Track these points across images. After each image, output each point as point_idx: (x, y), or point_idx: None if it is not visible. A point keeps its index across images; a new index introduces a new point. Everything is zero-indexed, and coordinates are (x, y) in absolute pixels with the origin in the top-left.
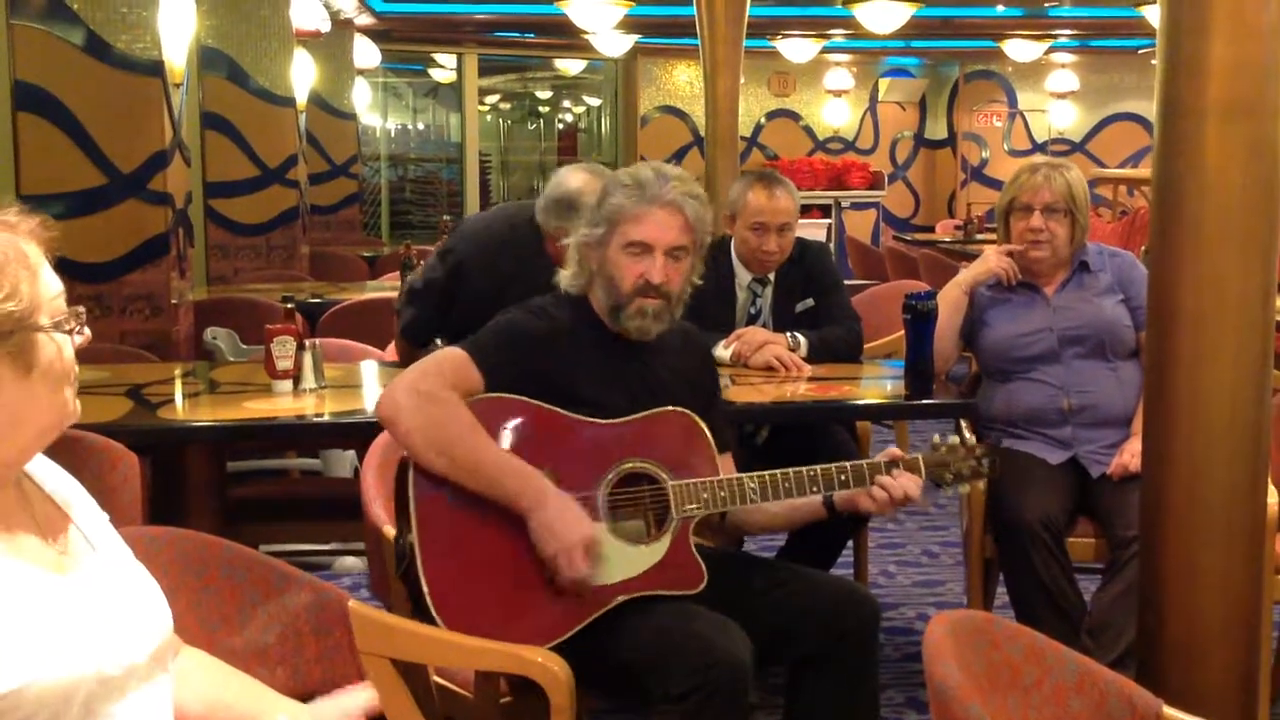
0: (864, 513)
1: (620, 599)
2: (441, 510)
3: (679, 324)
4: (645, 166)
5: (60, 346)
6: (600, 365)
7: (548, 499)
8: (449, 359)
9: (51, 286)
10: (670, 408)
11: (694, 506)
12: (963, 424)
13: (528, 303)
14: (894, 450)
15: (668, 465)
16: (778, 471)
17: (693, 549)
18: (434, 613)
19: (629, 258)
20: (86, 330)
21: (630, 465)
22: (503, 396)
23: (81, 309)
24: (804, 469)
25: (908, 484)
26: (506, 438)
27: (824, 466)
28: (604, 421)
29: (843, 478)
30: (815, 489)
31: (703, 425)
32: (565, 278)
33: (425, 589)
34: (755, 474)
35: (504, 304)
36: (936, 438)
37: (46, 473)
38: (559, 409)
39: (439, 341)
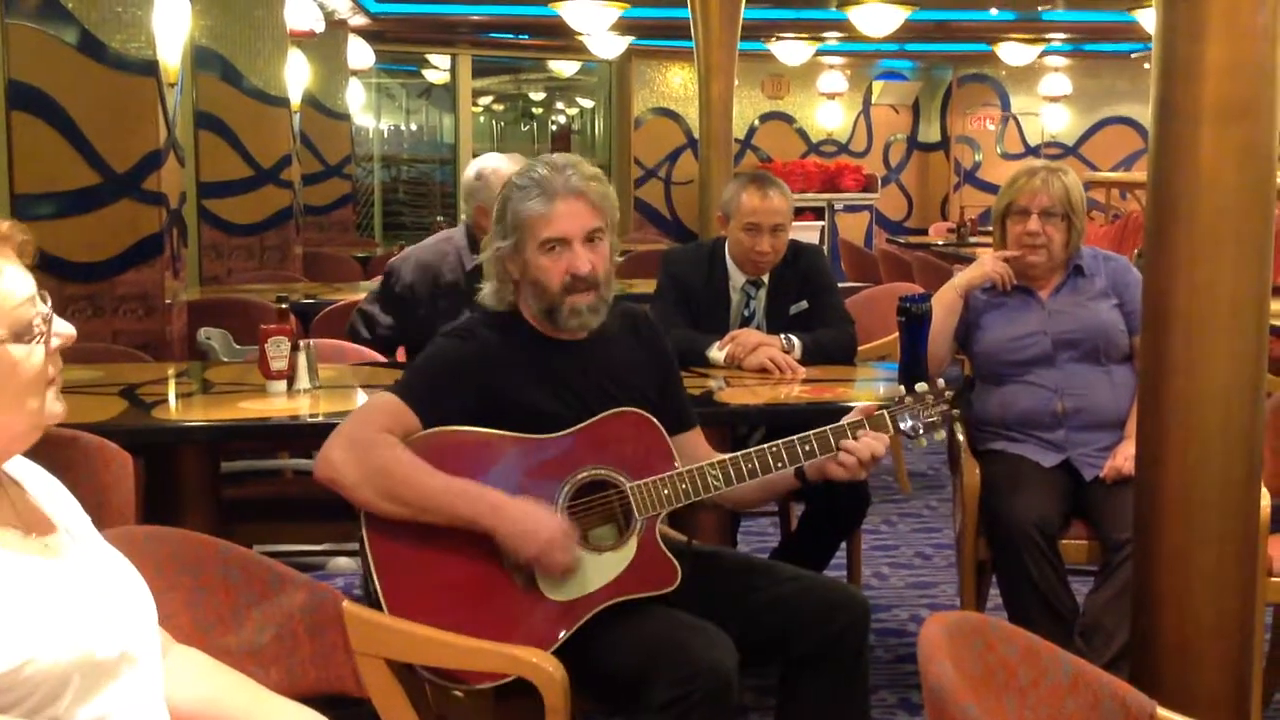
0: (835, 479)
1: (598, 609)
2: (400, 553)
3: (618, 306)
4: (538, 163)
5: (20, 359)
6: (542, 373)
7: (506, 509)
8: (379, 406)
9: (13, 295)
10: (618, 409)
11: (657, 504)
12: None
13: (453, 326)
14: (862, 406)
15: (624, 467)
16: (739, 454)
17: (661, 547)
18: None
19: (548, 257)
20: (66, 328)
21: (585, 474)
22: (441, 430)
23: (48, 311)
24: (766, 446)
25: (873, 444)
26: (454, 470)
27: (786, 440)
28: (551, 435)
29: (807, 448)
30: (780, 464)
31: (653, 421)
32: (487, 295)
33: None
34: (717, 459)
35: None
36: (902, 389)
37: (26, 472)
38: (502, 430)
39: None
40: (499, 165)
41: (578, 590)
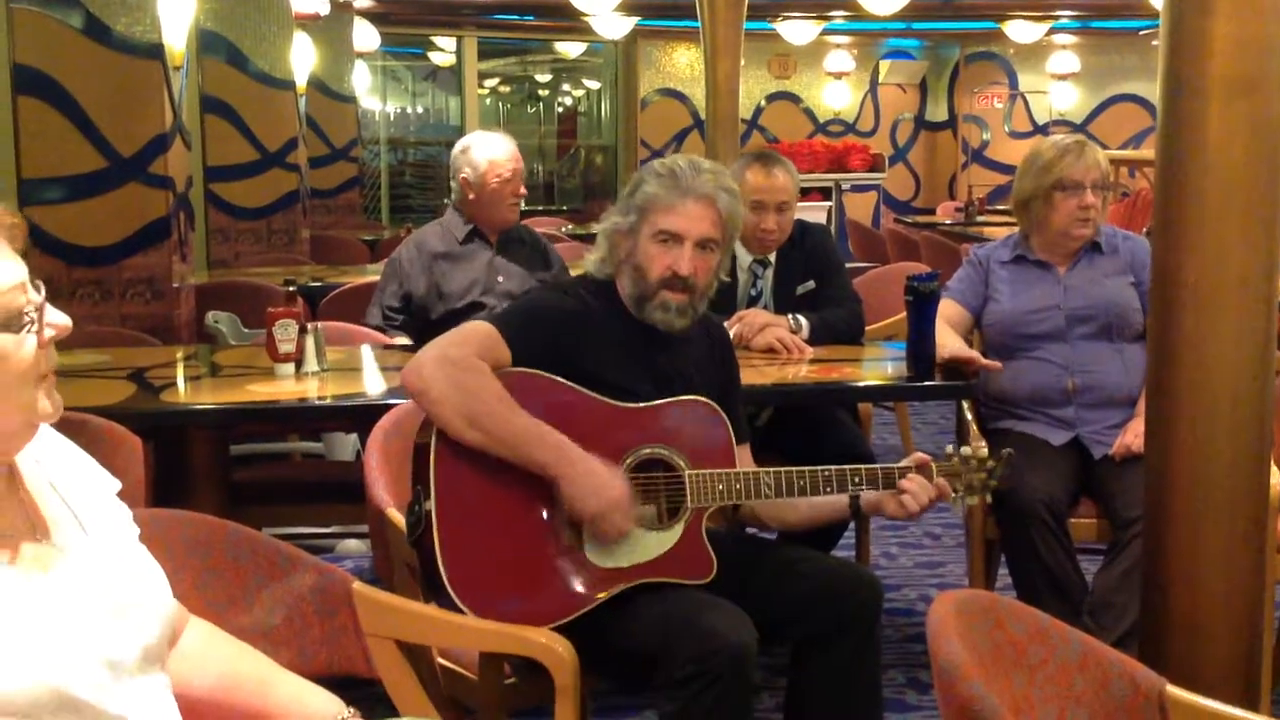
0: (888, 516)
1: (629, 584)
2: (462, 481)
3: (703, 316)
4: (681, 157)
5: (8, 349)
6: (624, 350)
7: (578, 463)
8: (476, 331)
9: (2, 279)
10: (693, 396)
11: (709, 497)
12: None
13: (558, 281)
14: (920, 456)
15: (686, 454)
16: (793, 469)
17: (704, 539)
18: (444, 579)
19: (658, 247)
20: (61, 318)
21: (649, 451)
22: (528, 371)
23: (40, 300)
24: (819, 469)
25: (930, 489)
26: (530, 411)
27: (838, 468)
28: (626, 405)
29: (856, 479)
30: (829, 489)
31: (724, 416)
32: (591, 262)
33: (439, 555)
34: (772, 470)
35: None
36: (949, 447)
37: (46, 453)
38: (582, 388)
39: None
40: (483, 139)
41: (617, 561)
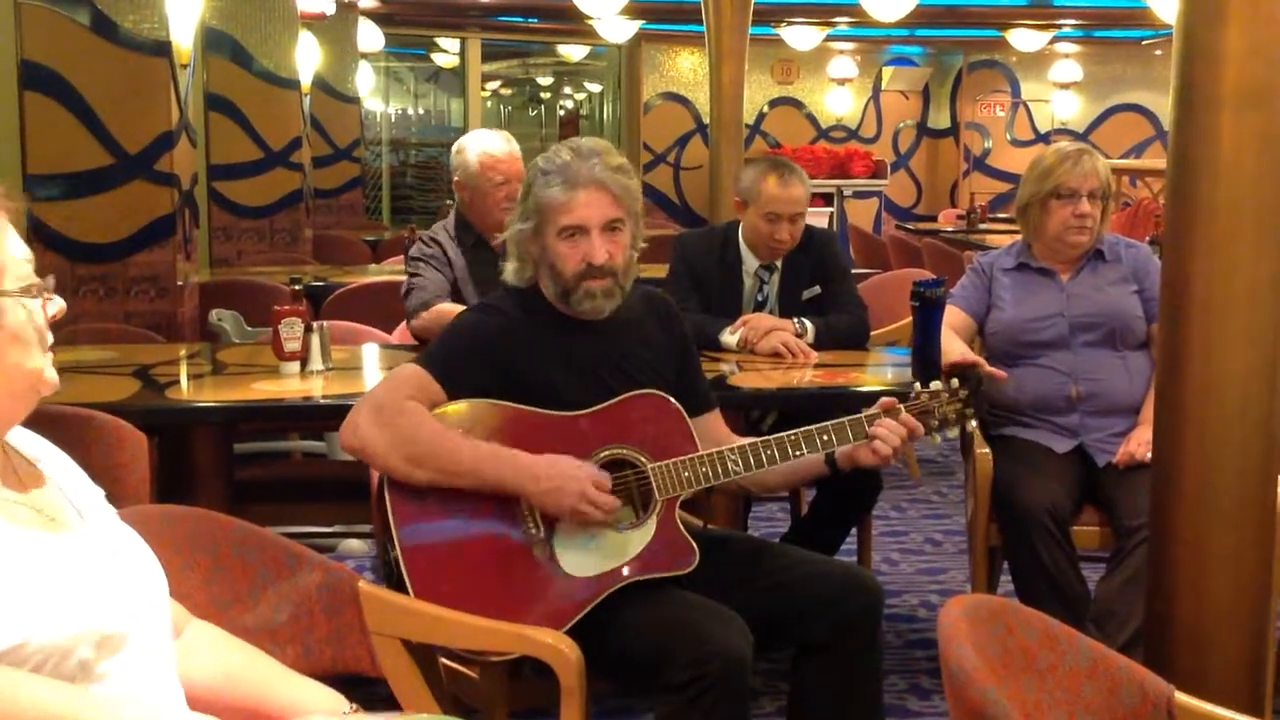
0: (866, 465)
1: (615, 587)
2: (422, 522)
3: (639, 290)
4: (564, 148)
5: (30, 311)
6: (563, 352)
7: (532, 469)
8: (404, 376)
9: (17, 252)
10: (640, 391)
11: (677, 486)
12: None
13: (479, 302)
14: (886, 400)
15: (645, 448)
16: (758, 440)
17: (680, 528)
18: None
19: (566, 244)
20: (59, 300)
21: (608, 453)
22: (468, 403)
23: (51, 278)
24: (785, 434)
25: (901, 429)
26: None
27: (804, 429)
28: (575, 413)
29: (824, 438)
30: (798, 452)
31: (675, 404)
32: (509, 273)
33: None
34: (736, 444)
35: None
36: (917, 385)
37: (35, 448)
38: (527, 405)
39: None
40: (478, 138)
41: (596, 567)
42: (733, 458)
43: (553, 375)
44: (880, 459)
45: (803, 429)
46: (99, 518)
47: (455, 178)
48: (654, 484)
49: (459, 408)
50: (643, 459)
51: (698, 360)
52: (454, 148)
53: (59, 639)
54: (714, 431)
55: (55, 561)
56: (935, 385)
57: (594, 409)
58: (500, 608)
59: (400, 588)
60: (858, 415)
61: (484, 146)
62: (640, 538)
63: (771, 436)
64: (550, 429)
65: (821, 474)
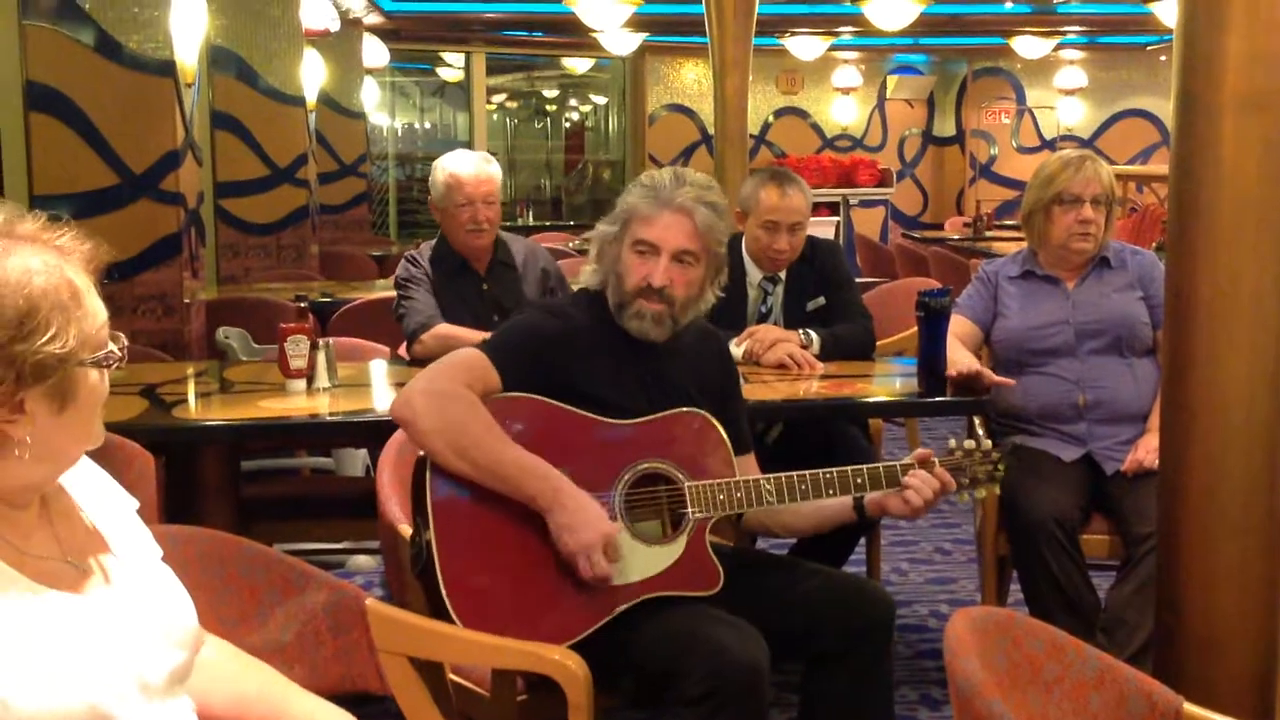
0: (894, 515)
1: (636, 600)
2: (459, 509)
3: (696, 324)
4: (669, 172)
5: (100, 379)
6: (616, 365)
7: (566, 498)
8: (465, 359)
9: (97, 318)
10: (687, 409)
11: (711, 508)
12: (975, 422)
13: (547, 302)
14: (921, 451)
15: (684, 466)
16: (794, 474)
17: (709, 550)
18: (451, 611)
19: (636, 257)
20: (121, 357)
21: (647, 466)
22: (520, 396)
23: (122, 338)
24: (820, 471)
25: (934, 483)
26: (524, 437)
27: (840, 469)
28: (621, 422)
29: (859, 480)
30: (831, 491)
31: (719, 426)
32: (586, 273)
33: (443, 588)
34: (772, 476)
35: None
36: (952, 441)
37: (71, 474)
38: (576, 409)
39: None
40: (450, 158)
41: (624, 578)
42: (768, 486)
43: (603, 387)
44: (910, 510)
45: (837, 468)
46: (132, 550)
47: (429, 198)
48: (688, 501)
49: (512, 398)
50: (681, 476)
51: (743, 402)
52: (433, 167)
53: (73, 705)
54: (746, 473)
55: (74, 624)
56: (969, 444)
57: (641, 420)
58: (523, 603)
59: (426, 575)
60: (893, 463)
61: (452, 167)
62: (668, 554)
63: (806, 472)
64: (595, 434)
65: (848, 520)
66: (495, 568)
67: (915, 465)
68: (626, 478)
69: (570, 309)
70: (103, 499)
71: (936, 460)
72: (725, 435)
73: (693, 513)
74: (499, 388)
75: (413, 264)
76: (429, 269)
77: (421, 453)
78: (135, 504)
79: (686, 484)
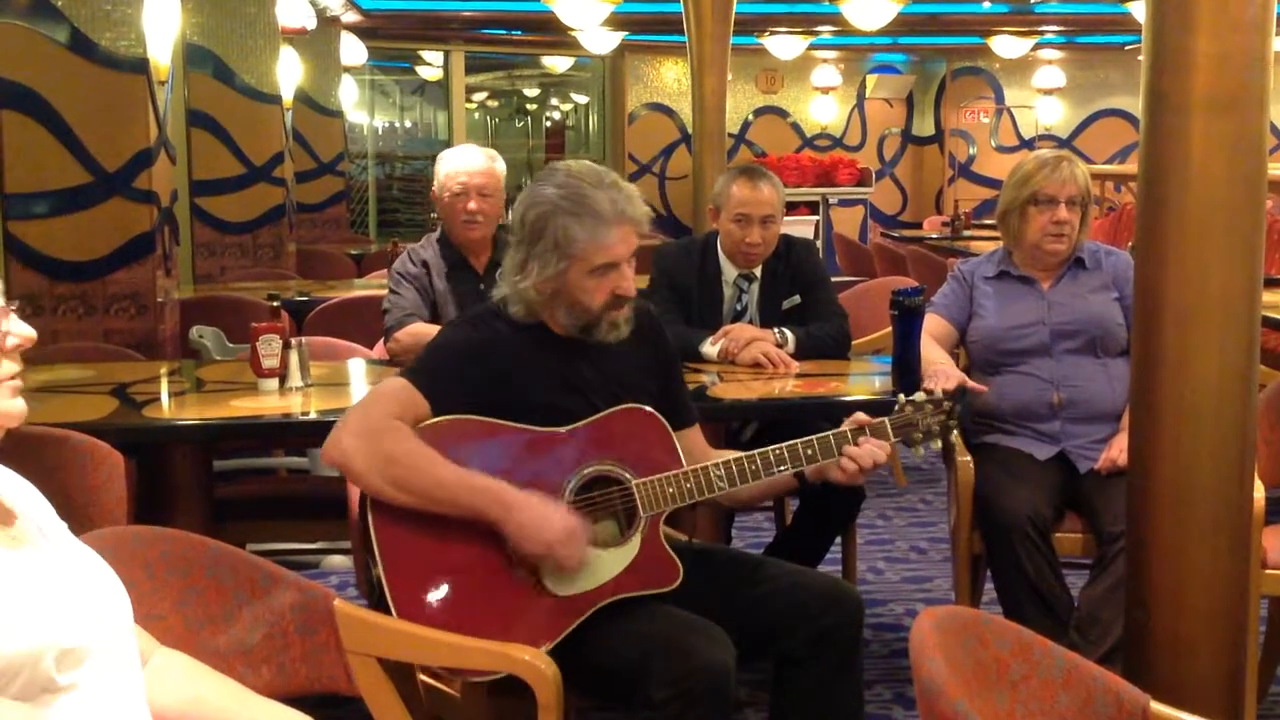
0: (834, 482)
1: (597, 606)
2: (405, 540)
3: None
4: (584, 183)
5: None
6: (549, 367)
7: (515, 503)
8: (390, 390)
9: None
10: (625, 405)
11: (661, 502)
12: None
13: (467, 313)
14: (860, 416)
15: (630, 464)
16: (743, 455)
17: (665, 545)
18: None
19: (595, 279)
20: (25, 329)
21: (592, 469)
22: (451, 419)
23: (13, 305)
24: (770, 449)
25: (875, 451)
26: (461, 460)
27: (789, 444)
28: (559, 429)
29: (809, 452)
30: (783, 467)
31: (660, 418)
32: (513, 307)
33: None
34: (721, 460)
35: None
36: (901, 397)
37: (3, 478)
38: (511, 422)
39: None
40: (451, 151)
41: (580, 586)
42: (718, 473)
43: (539, 390)
44: (846, 476)
45: (786, 444)
46: (57, 538)
47: (432, 190)
48: (638, 500)
49: (443, 422)
50: (627, 475)
51: (681, 373)
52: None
53: (20, 650)
54: (695, 446)
55: (14, 576)
56: (918, 396)
57: (579, 424)
58: (482, 627)
59: (383, 606)
60: (842, 429)
61: (450, 157)
62: (624, 555)
63: (755, 452)
64: (534, 445)
65: (791, 487)
66: (450, 595)
67: (865, 431)
68: (572, 484)
69: (489, 319)
70: (35, 501)
71: (869, 425)
72: (668, 425)
73: (644, 510)
74: (429, 414)
75: (410, 260)
76: (437, 261)
77: (358, 491)
78: (62, 525)
79: (634, 482)
